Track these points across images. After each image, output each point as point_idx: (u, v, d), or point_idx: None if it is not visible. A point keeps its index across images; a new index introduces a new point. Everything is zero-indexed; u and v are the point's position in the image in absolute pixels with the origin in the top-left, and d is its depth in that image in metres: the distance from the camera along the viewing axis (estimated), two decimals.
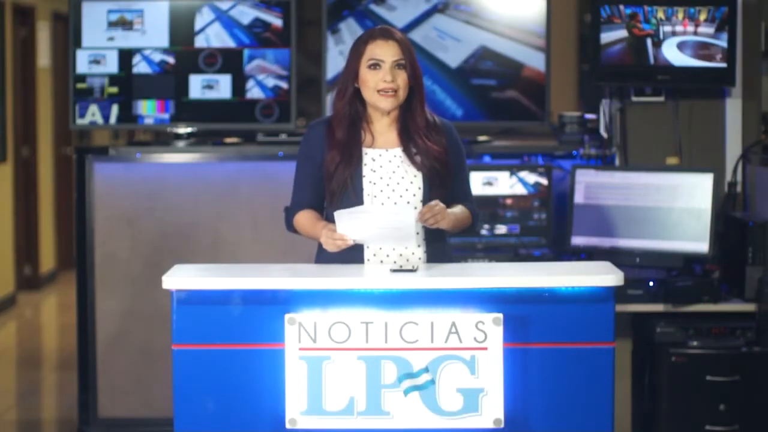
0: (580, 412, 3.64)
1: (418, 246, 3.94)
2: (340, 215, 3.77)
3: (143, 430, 5.86)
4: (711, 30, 5.46)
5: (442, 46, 5.84)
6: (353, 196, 3.91)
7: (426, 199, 3.94)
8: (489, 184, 5.66)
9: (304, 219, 4.00)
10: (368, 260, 3.93)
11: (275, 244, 5.80)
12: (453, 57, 5.85)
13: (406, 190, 3.93)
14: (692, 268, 5.32)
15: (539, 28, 5.81)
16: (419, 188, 3.94)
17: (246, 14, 5.86)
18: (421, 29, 5.87)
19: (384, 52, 3.92)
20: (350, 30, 5.86)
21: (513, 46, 5.84)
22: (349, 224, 3.78)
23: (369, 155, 3.96)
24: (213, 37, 5.87)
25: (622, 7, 5.46)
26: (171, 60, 5.87)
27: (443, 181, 3.95)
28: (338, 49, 5.84)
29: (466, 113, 5.86)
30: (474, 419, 3.59)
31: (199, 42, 5.86)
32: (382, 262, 3.93)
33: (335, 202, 3.93)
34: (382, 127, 4.00)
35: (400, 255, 3.93)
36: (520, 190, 5.67)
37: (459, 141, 4.06)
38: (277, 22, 5.86)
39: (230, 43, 5.86)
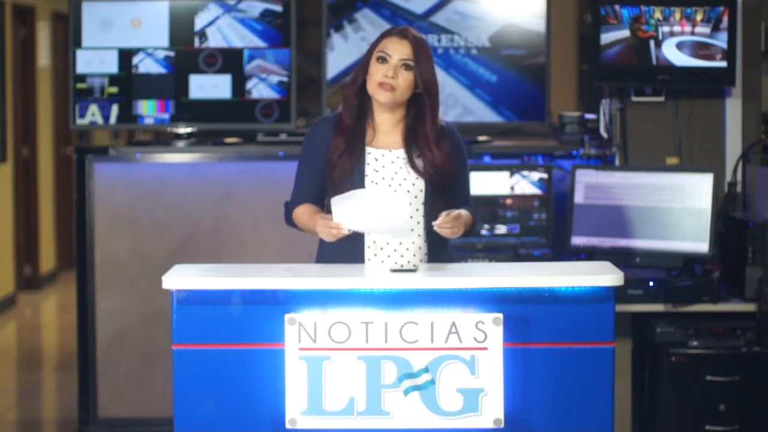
0: (580, 412, 3.64)
1: (413, 242, 3.94)
2: (336, 201, 3.77)
3: (143, 430, 5.86)
4: (707, 30, 5.46)
5: (467, 26, 5.88)
6: None
7: (428, 202, 3.94)
8: (489, 184, 5.66)
9: (303, 211, 4.01)
10: (369, 260, 3.93)
11: (275, 244, 5.81)
12: (479, 34, 5.89)
13: (408, 191, 3.93)
14: (692, 268, 5.32)
15: None
16: (421, 191, 3.94)
17: (255, 7, 5.87)
18: (442, 13, 5.91)
19: (394, 48, 3.93)
20: (368, 19, 5.89)
21: (536, 21, 5.88)
22: (344, 213, 3.78)
23: (372, 155, 3.97)
24: (226, 27, 5.86)
25: (618, 7, 5.46)
26: (171, 60, 5.87)
27: (445, 186, 3.96)
28: (359, 35, 5.86)
29: (501, 79, 5.89)
30: (474, 419, 3.60)
31: (212, 35, 5.85)
32: (383, 262, 3.93)
33: (336, 193, 3.93)
34: (386, 126, 4.00)
35: (402, 256, 3.93)
36: (520, 190, 5.67)
37: (462, 145, 4.06)
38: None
39: (247, 34, 5.85)
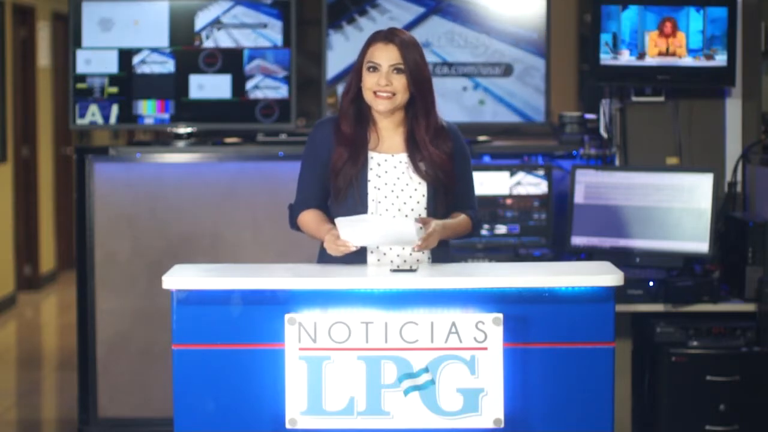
0: (580, 412, 3.64)
1: (422, 252, 3.94)
2: (340, 223, 3.77)
3: (143, 430, 5.86)
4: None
5: None
6: (358, 200, 3.91)
7: (430, 207, 3.94)
8: (489, 184, 5.66)
9: (309, 219, 3.99)
10: (371, 264, 3.93)
11: (275, 244, 5.81)
12: (511, 4, 6.00)
13: (410, 197, 3.93)
14: (692, 268, 5.33)
15: None
16: (423, 195, 3.94)
17: None
18: None
19: (381, 55, 3.92)
20: (392, 3, 5.93)
21: None
22: (351, 230, 3.78)
23: (375, 160, 3.96)
24: (241, 15, 5.86)
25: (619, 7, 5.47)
26: (171, 60, 5.87)
27: (447, 189, 3.95)
28: (387, 16, 5.89)
29: (540, 35, 5.99)
30: (474, 419, 3.60)
31: (228, 22, 5.85)
32: (390, 261, 3.93)
33: (340, 200, 3.93)
34: (388, 130, 4.00)
35: (404, 261, 3.93)
36: (520, 190, 5.67)
37: (465, 147, 4.05)
38: None
39: (262, 20, 5.85)
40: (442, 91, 5.90)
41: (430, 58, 5.87)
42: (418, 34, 5.84)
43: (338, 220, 3.77)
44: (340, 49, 5.94)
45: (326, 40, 5.95)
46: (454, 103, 5.94)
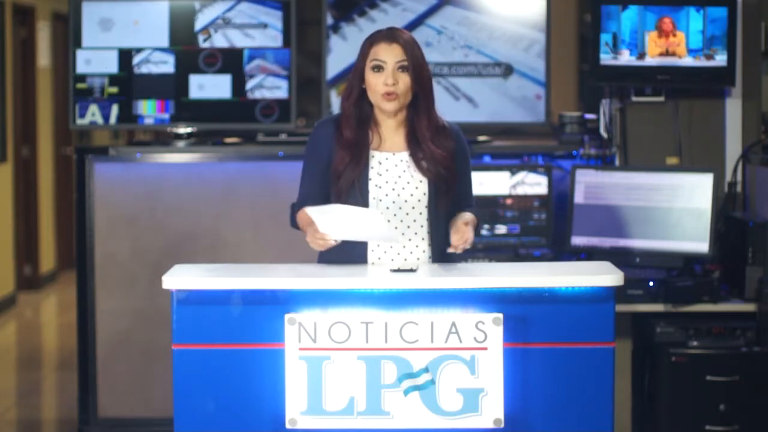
0: (580, 412, 3.64)
1: (416, 246, 3.94)
2: (312, 213, 3.74)
3: (143, 430, 5.86)
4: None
5: None
6: (359, 199, 3.91)
7: (431, 205, 3.94)
8: (489, 184, 5.66)
9: (302, 216, 4.00)
10: (372, 263, 3.93)
11: (275, 244, 5.81)
12: None
13: (411, 195, 3.93)
14: (692, 268, 5.33)
15: None
16: (424, 193, 3.94)
17: None
18: None
19: (386, 54, 3.91)
20: None
21: None
22: (328, 223, 3.76)
23: (376, 158, 3.96)
24: (246, 10, 5.86)
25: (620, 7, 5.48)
26: (171, 60, 5.88)
27: (449, 186, 3.95)
28: (399, 8, 5.94)
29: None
30: (474, 419, 3.60)
31: (239, 17, 5.84)
32: (391, 260, 3.92)
33: (341, 201, 3.93)
34: (390, 130, 4.00)
35: (405, 260, 3.93)
36: (520, 190, 5.67)
37: (465, 146, 4.05)
38: None
39: (268, 13, 5.84)
40: (464, 70, 5.92)
41: (449, 44, 5.90)
42: (432, 23, 5.86)
43: (309, 210, 3.75)
44: (354, 40, 5.92)
45: (339, 32, 5.94)
46: (477, 78, 5.94)
